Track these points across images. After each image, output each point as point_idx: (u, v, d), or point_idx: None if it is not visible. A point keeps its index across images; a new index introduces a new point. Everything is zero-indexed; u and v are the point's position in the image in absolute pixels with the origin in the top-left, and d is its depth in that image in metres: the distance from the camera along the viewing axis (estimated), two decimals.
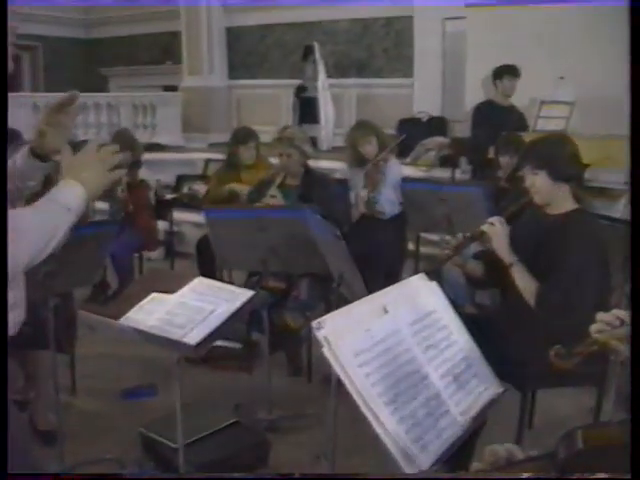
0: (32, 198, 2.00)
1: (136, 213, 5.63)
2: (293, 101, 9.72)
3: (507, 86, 6.52)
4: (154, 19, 11.75)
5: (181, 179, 7.84)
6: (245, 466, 3.35)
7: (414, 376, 1.85)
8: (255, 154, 5.59)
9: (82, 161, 1.84)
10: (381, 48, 9.75)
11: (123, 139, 5.63)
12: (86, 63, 12.86)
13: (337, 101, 9.53)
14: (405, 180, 4.92)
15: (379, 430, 1.67)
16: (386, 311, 1.88)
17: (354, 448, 3.24)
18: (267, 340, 3.93)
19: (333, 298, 3.29)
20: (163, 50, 11.83)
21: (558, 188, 3.01)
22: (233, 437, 3.48)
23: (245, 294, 2.53)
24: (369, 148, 5.09)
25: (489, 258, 3.17)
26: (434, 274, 2.28)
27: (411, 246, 5.49)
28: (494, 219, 3.07)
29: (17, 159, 2.07)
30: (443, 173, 7.17)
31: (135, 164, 5.75)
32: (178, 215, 6.84)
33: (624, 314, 1.77)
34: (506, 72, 6.48)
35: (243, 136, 5.66)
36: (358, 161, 5.15)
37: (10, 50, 1.82)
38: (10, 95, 1.83)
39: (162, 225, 6.49)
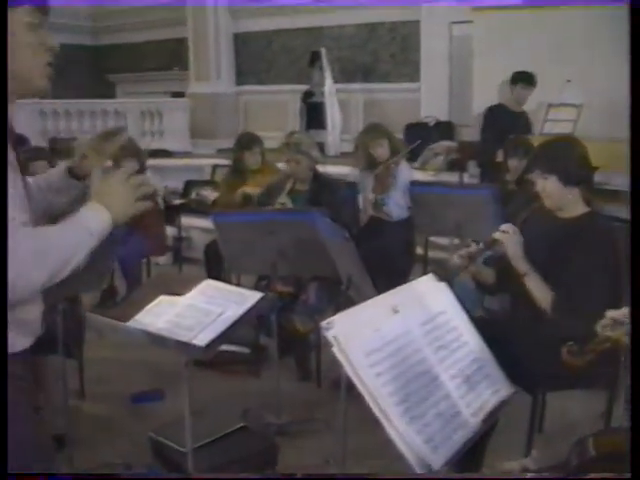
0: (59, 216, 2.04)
1: (144, 218, 5.62)
2: (300, 107, 9.73)
3: (520, 93, 6.48)
4: (161, 26, 11.79)
5: (189, 185, 7.81)
6: (253, 470, 3.33)
7: (425, 377, 1.83)
8: (260, 159, 5.60)
9: (111, 187, 1.85)
10: (388, 53, 9.75)
11: (128, 147, 5.64)
12: (93, 70, 12.90)
13: (344, 106, 9.54)
14: (414, 184, 4.91)
15: (390, 430, 1.66)
16: (396, 311, 1.87)
17: (364, 453, 3.22)
18: (276, 344, 3.92)
19: (342, 301, 3.28)
20: (170, 56, 11.87)
21: (569, 192, 2.99)
22: (241, 441, 3.46)
23: (254, 296, 2.52)
24: (380, 151, 5.09)
25: (500, 264, 3.15)
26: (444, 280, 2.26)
27: (419, 250, 5.48)
28: (507, 226, 3.03)
29: (52, 174, 2.15)
30: (451, 177, 7.16)
31: (140, 171, 5.76)
32: (186, 220, 6.85)
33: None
34: (521, 79, 6.44)
35: (247, 142, 5.67)
36: (369, 164, 5.15)
37: (46, 70, 1.84)
38: (18, 102, 1.84)
39: (170, 231, 6.49)
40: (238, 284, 5.14)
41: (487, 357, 2.10)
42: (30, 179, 2.09)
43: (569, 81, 6.54)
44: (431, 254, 5.55)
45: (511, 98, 6.55)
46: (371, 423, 3.18)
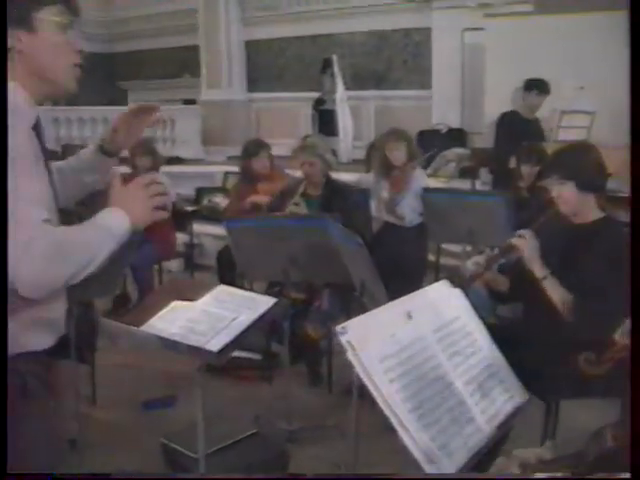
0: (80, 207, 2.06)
1: (154, 223, 5.64)
2: (312, 114, 9.74)
3: (533, 101, 6.46)
4: (173, 33, 11.85)
5: (201, 192, 7.86)
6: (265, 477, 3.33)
7: (439, 383, 1.82)
8: (269, 164, 5.62)
9: (130, 193, 1.86)
10: (399, 60, 9.76)
11: (144, 145, 5.75)
12: (106, 77, 12.96)
13: (356, 113, 9.55)
14: (426, 190, 4.90)
15: (404, 436, 1.65)
16: (410, 317, 1.86)
17: (375, 459, 3.21)
18: (288, 351, 3.91)
19: (355, 306, 3.27)
20: (182, 64, 11.91)
21: (585, 197, 2.97)
22: (253, 448, 3.46)
23: (267, 302, 2.51)
24: (397, 154, 5.13)
25: (514, 271, 3.13)
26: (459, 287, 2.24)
27: (431, 257, 5.46)
28: (523, 232, 3.02)
29: (84, 152, 2.18)
30: (463, 184, 7.14)
31: (154, 169, 5.85)
32: (198, 227, 6.86)
33: None
34: (535, 86, 6.42)
35: (254, 147, 5.70)
36: (384, 167, 5.19)
37: (74, 71, 1.87)
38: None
39: (182, 237, 6.51)
40: (250, 290, 5.14)
41: (501, 364, 2.09)
42: (61, 163, 2.12)
43: (582, 88, 6.52)
44: (443, 261, 5.53)
45: (524, 105, 6.53)
46: (382, 429, 3.18)
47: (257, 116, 11.27)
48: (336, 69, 9.47)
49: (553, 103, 6.62)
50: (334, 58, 9.53)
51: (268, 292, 4.47)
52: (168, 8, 11.72)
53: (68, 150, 9.50)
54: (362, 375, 1.67)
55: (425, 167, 7.21)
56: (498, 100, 7.14)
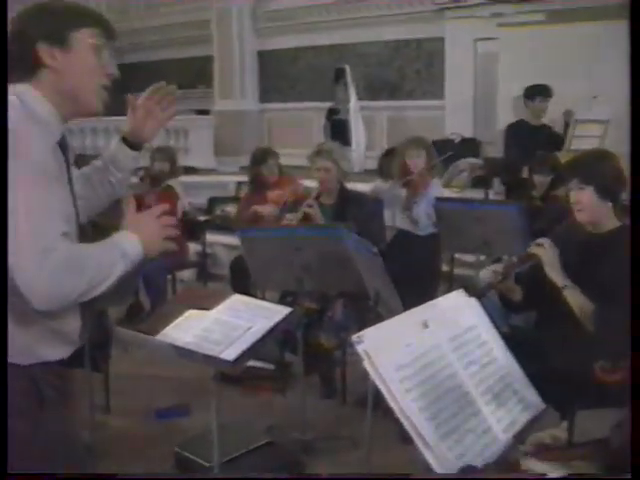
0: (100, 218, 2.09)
1: None
2: (324, 124, 9.74)
3: (538, 107, 6.48)
4: (186, 44, 11.87)
5: (213, 201, 7.88)
6: None
7: (455, 392, 1.81)
8: (277, 171, 5.69)
9: (143, 222, 1.90)
10: (412, 70, 9.74)
11: (164, 150, 5.85)
12: (119, 88, 12.98)
13: (368, 123, 9.54)
14: (440, 199, 4.89)
15: (421, 446, 1.64)
16: (426, 326, 1.85)
17: (389, 469, 3.20)
18: (302, 361, 3.90)
19: (370, 316, 3.26)
20: (195, 74, 11.93)
21: (603, 205, 2.96)
22: (267, 457, 3.46)
23: (282, 311, 2.52)
24: (417, 161, 5.20)
25: (529, 280, 3.12)
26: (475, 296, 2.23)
27: (445, 267, 5.45)
28: (543, 240, 3.01)
29: (109, 149, 2.22)
30: (476, 194, 7.12)
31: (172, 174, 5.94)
32: (211, 237, 6.86)
33: None
34: (538, 93, 6.44)
35: (261, 155, 5.80)
36: (403, 173, 5.23)
37: (102, 93, 1.97)
38: None
39: (195, 247, 6.52)
40: (263, 300, 5.15)
41: (517, 373, 2.07)
42: (86, 168, 2.17)
43: (596, 97, 6.50)
44: (457, 271, 5.51)
45: (529, 113, 6.53)
46: (395, 440, 3.16)
47: (269, 126, 11.29)
48: (349, 79, 9.47)
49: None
50: (347, 68, 9.53)
51: (281, 302, 4.46)
52: (181, 19, 11.76)
53: (81, 160, 9.54)
54: (379, 384, 1.66)
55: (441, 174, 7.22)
56: (510, 109, 7.14)
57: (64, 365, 1.89)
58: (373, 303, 3.35)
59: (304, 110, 10.66)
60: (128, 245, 1.82)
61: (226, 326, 2.48)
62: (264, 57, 11.19)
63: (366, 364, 1.65)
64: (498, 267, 3.06)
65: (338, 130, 9.40)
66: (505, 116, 7.26)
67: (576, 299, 2.90)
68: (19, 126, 1.70)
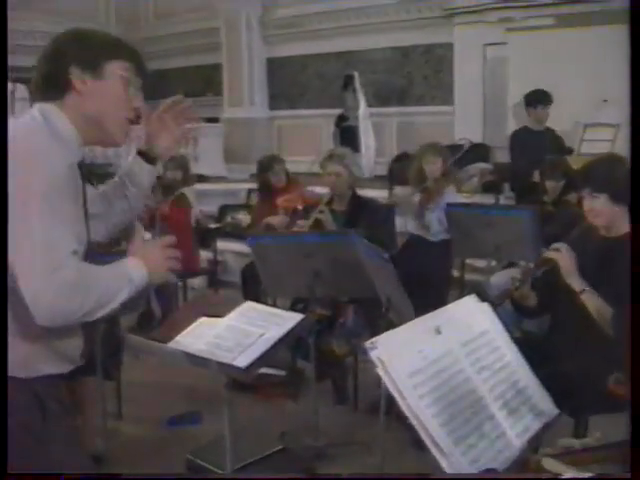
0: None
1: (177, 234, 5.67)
2: (334, 131, 9.74)
3: (541, 114, 6.46)
4: (195, 52, 11.91)
5: (224, 209, 7.89)
6: None
7: (468, 397, 1.81)
8: (284, 177, 5.72)
9: (148, 251, 1.93)
10: (421, 76, 9.74)
11: (176, 160, 5.90)
12: None
13: (378, 130, 9.54)
14: (451, 205, 4.89)
15: (435, 452, 1.64)
16: (439, 332, 1.85)
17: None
18: (314, 368, 3.90)
19: (382, 323, 3.26)
20: (204, 82, 11.97)
21: (618, 210, 2.95)
22: (280, 464, 3.45)
23: (294, 318, 2.52)
24: (433, 168, 5.27)
25: (543, 285, 3.11)
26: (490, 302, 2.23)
27: (456, 273, 5.44)
28: (559, 245, 3.00)
29: (127, 163, 2.23)
30: (486, 199, 7.11)
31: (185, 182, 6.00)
32: (221, 244, 6.88)
33: None
34: (538, 101, 6.43)
35: (268, 162, 5.84)
36: (419, 179, 5.30)
37: (126, 126, 1.96)
38: None
39: (205, 254, 6.53)
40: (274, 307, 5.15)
41: (530, 378, 2.07)
42: (105, 187, 2.16)
43: (605, 101, 6.49)
44: (468, 277, 5.50)
45: (531, 120, 6.51)
46: (408, 446, 3.15)
47: (279, 133, 11.31)
48: (358, 85, 9.47)
49: (576, 116, 6.60)
50: (355, 75, 9.53)
51: (292, 309, 4.46)
52: (190, 27, 11.80)
53: (92, 168, 9.57)
54: (392, 391, 1.66)
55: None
56: (516, 114, 7.13)
57: (74, 375, 1.91)
58: (384, 309, 3.35)
59: (313, 117, 10.68)
60: (135, 271, 1.85)
61: (238, 333, 2.48)
62: (273, 64, 11.22)
63: (379, 370, 1.65)
64: (515, 273, 3.04)
65: (347, 137, 9.40)
66: (515, 121, 7.25)
67: (594, 303, 2.89)
68: (39, 140, 1.72)
